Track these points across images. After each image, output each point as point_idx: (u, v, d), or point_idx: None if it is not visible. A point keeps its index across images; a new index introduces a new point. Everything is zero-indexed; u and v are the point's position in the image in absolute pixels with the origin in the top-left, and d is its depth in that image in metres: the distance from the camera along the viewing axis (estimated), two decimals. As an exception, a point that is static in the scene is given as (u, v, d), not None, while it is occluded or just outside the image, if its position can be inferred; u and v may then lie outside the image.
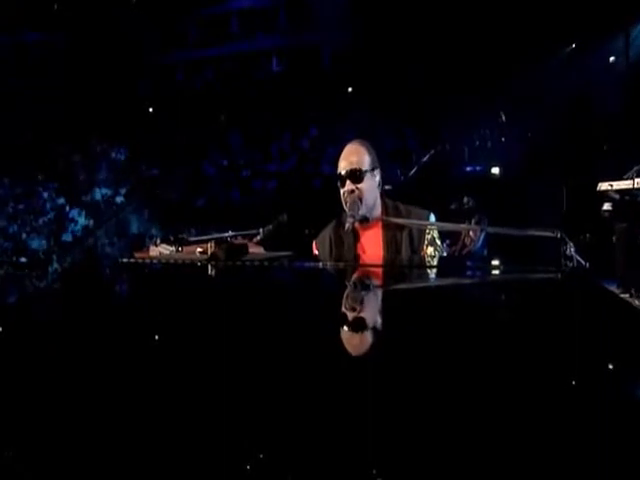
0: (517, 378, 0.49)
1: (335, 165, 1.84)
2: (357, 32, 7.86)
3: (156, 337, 0.71)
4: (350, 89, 8.95)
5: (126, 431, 0.40)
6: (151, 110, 9.34)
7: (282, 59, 9.67)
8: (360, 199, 1.72)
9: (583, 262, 1.18)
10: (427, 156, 7.55)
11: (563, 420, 0.40)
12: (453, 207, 5.97)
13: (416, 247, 1.74)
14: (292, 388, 0.48)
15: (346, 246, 1.79)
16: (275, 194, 7.92)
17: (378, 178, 1.79)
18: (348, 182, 1.74)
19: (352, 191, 1.73)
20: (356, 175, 1.73)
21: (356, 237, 1.79)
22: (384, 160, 1.87)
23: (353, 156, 1.76)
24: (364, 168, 1.74)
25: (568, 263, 1.18)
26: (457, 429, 0.40)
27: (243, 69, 9.54)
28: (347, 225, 1.67)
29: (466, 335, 0.66)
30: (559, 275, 1.16)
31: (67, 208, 8.03)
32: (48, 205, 7.96)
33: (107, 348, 0.62)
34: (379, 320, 0.81)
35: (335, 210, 1.87)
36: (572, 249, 1.18)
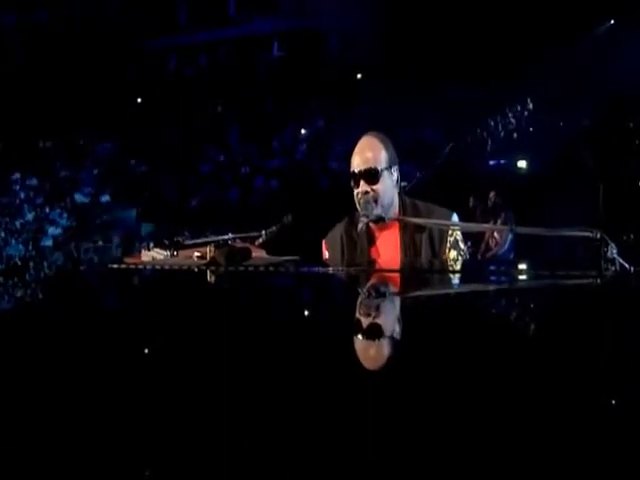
0: (549, 398, 0.49)
1: (345, 160, 1.83)
2: (366, 12, 7.85)
3: (146, 351, 0.72)
4: (359, 76, 8.96)
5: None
6: (140, 100, 9.40)
7: (283, 44, 9.71)
8: (375, 200, 1.71)
9: (627, 266, 1.17)
10: (446, 149, 7.52)
11: (601, 442, 0.40)
12: (475, 205, 5.96)
13: (437, 250, 1.73)
14: (300, 408, 0.48)
15: (359, 249, 1.78)
16: (278, 193, 7.92)
17: (396, 176, 1.78)
18: (362, 182, 1.72)
19: (367, 192, 1.71)
20: (371, 175, 1.71)
21: (370, 239, 1.78)
22: (399, 155, 1.87)
23: (368, 152, 1.74)
24: (380, 166, 1.72)
25: (610, 267, 1.17)
26: (487, 456, 0.39)
27: (241, 55, 9.57)
28: (360, 226, 1.66)
29: (493, 350, 0.66)
30: (599, 281, 1.15)
31: (47, 209, 8.06)
32: (26, 206, 7.98)
33: (90, 367, 0.63)
34: (396, 332, 0.81)
35: (346, 209, 1.86)
36: (614, 251, 1.17)
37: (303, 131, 8.63)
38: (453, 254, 1.73)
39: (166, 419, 0.46)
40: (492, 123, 7.34)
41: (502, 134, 7.36)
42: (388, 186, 1.74)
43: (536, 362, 0.60)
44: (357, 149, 1.77)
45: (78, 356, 0.67)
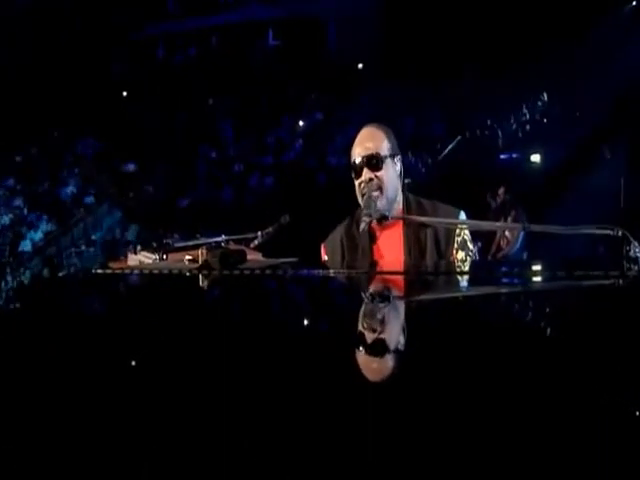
0: (570, 407, 0.49)
1: (344, 155, 1.83)
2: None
3: (133, 363, 0.71)
4: (360, 66, 8.98)
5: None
6: (125, 94, 9.41)
7: (279, 32, 9.73)
8: (380, 189, 1.70)
9: (651, 265, 1.17)
10: (453, 143, 7.53)
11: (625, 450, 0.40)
12: (490, 203, 5.96)
13: (444, 251, 1.72)
14: (302, 421, 0.48)
15: (361, 250, 1.77)
16: (274, 191, 7.93)
17: (399, 167, 1.79)
18: (365, 170, 1.73)
19: (370, 179, 1.71)
20: (374, 162, 1.72)
21: (372, 239, 1.78)
22: (402, 149, 1.87)
23: (369, 141, 1.75)
24: (383, 153, 1.73)
25: (632, 266, 1.17)
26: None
27: (233, 44, 9.59)
28: (362, 225, 1.66)
29: (508, 358, 0.66)
30: (621, 281, 1.15)
31: (25, 211, 8.05)
32: (2, 208, 7.96)
33: (69, 383, 0.62)
34: (402, 340, 0.80)
35: (346, 208, 1.86)
36: (637, 249, 1.17)
37: (301, 123, 8.64)
38: (461, 255, 1.72)
39: (157, 433, 0.46)
40: (504, 114, 7.35)
41: (514, 126, 7.36)
42: (392, 175, 1.74)
43: (555, 369, 0.60)
44: (358, 140, 1.78)
45: (57, 372, 0.67)
